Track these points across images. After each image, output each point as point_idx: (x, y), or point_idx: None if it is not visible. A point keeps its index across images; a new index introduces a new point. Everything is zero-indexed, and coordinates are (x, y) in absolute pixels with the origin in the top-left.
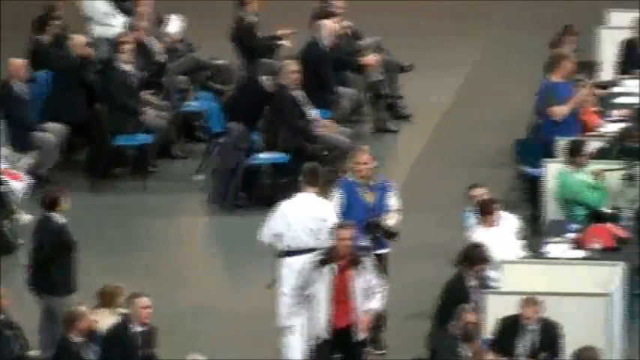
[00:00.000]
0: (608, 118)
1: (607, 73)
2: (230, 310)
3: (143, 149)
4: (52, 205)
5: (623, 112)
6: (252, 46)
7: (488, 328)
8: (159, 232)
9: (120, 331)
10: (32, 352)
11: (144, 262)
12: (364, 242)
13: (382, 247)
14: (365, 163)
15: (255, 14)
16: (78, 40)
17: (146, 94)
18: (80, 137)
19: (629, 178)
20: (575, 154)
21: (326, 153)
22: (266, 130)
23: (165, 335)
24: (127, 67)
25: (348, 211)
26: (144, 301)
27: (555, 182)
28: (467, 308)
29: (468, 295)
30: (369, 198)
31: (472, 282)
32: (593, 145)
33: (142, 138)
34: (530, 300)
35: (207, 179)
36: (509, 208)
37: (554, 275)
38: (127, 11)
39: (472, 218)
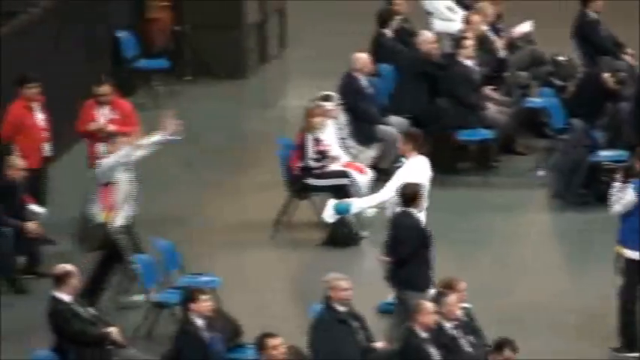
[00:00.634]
0: None
1: None
2: (567, 307)
3: (485, 144)
4: (411, 199)
5: None
6: (595, 43)
7: None
8: (501, 227)
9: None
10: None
11: (489, 256)
12: None
13: None
14: None
15: (597, 13)
16: (427, 36)
17: (487, 90)
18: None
19: None
20: None
21: None
22: (608, 128)
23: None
24: (469, 63)
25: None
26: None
27: None
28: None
29: None
30: None
31: None
32: None
33: (484, 133)
34: None
35: (549, 176)
36: None
37: None
38: (466, 7)
39: None
